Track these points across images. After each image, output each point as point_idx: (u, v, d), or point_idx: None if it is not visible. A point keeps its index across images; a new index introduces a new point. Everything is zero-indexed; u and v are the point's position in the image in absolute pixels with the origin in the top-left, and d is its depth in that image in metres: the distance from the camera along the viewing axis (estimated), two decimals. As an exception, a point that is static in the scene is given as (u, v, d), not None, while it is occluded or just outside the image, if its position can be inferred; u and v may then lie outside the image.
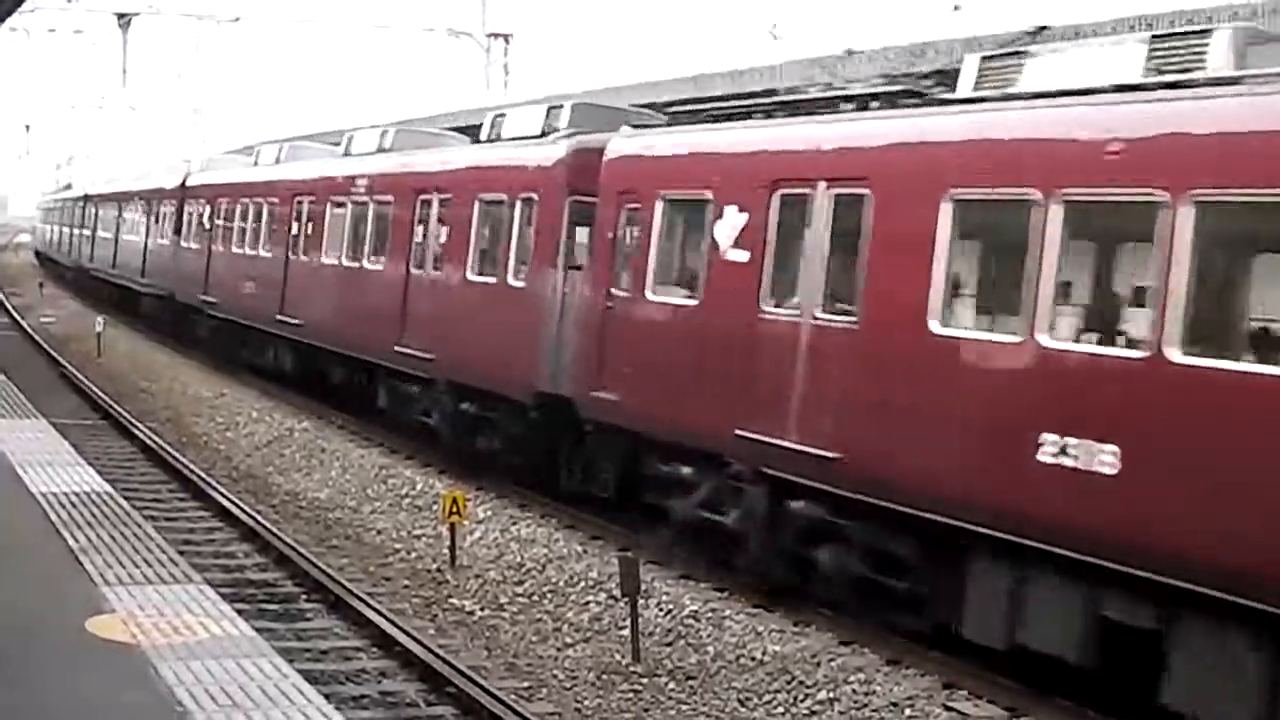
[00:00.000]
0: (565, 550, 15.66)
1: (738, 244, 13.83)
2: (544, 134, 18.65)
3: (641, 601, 12.95)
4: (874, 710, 11.16)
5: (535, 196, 17.91)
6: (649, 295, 15.24)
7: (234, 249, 30.84)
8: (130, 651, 8.49)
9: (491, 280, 18.80)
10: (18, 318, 44.21)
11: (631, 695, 11.65)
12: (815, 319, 12.84)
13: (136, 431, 22.75)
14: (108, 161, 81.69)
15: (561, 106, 18.92)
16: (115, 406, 25.28)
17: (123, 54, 35.53)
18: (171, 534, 14.74)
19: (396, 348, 20.80)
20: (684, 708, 11.42)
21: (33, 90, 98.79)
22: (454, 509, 15.43)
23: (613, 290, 15.83)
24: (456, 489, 16.94)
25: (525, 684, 11.70)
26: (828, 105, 14.06)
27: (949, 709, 11.04)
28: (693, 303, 14.61)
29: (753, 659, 12.26)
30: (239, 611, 10.05)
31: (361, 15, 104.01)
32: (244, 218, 30.37)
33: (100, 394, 26.73)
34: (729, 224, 13.94)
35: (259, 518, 16.92)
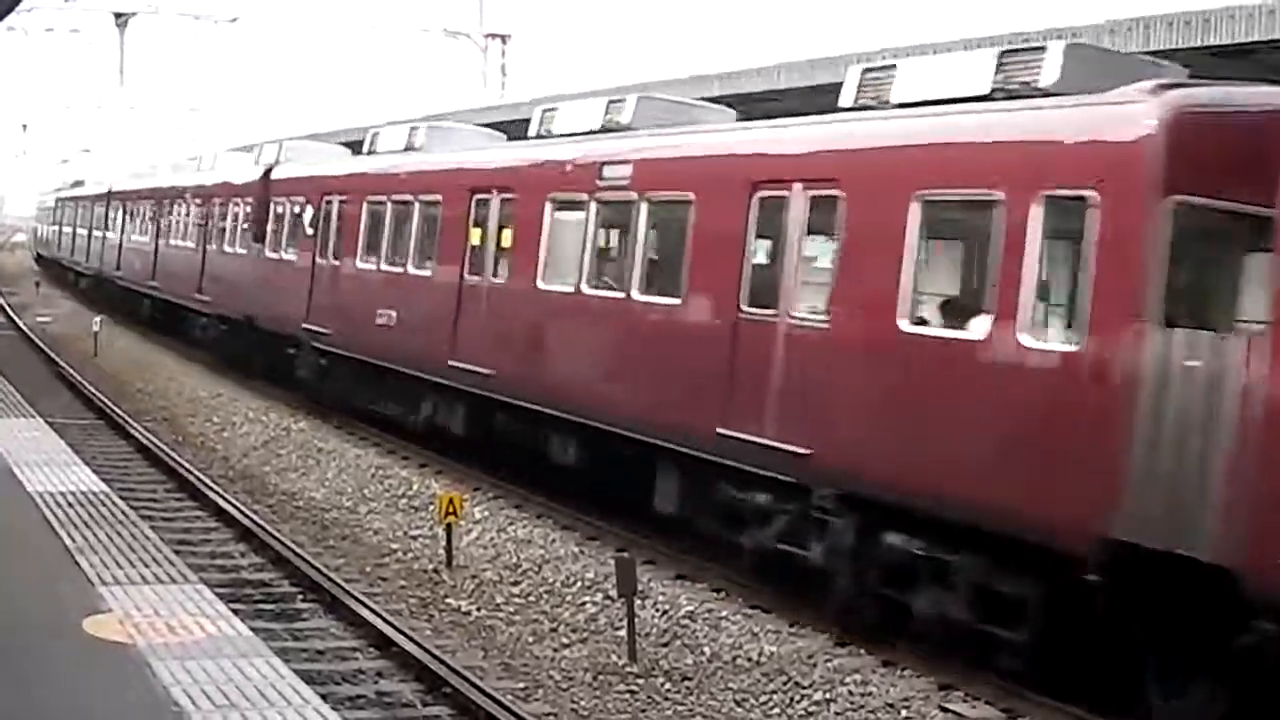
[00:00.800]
0: (562, 551, 15.67)
1: None
2: (993, 94, 12.28)
3: (638, 602, 12.95)
4: (870, 711, 11.17)
5: (1084, 195, 10.73)
6: None
7: (360, 264, 23.52)
8: (126, 651, 8.49)
9: (960, 336, 11.77)
10: (14, 317, 44.20)
11: (628, 696, 11.65)
12: None
13: (133, 431, 22.75)
14: (122, 156, 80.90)
15: (1043, 48, 12.25)
16: (112, 406, 25.28)
17: (120, 53, 35.46)
18: (168, 534, 14.76)
19: (721, 430, 13.94)
20: (680, 708, 11.42)
21: (30, 89, 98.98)
22: (450, 509, 15.43)
23: None
24: (453, 490, 16.95)
25: (521, 684, 11.70)
26: None
27: (945, 710, 11.05)
28: None
29: (749, 660, 12.27)
30: (235, 611, 10.07)
31: (359, 15, 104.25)
32: (375, 222, 23.21)
33: (97, 393, 26.72)
34: None
35: (255, 518, 16.91)
